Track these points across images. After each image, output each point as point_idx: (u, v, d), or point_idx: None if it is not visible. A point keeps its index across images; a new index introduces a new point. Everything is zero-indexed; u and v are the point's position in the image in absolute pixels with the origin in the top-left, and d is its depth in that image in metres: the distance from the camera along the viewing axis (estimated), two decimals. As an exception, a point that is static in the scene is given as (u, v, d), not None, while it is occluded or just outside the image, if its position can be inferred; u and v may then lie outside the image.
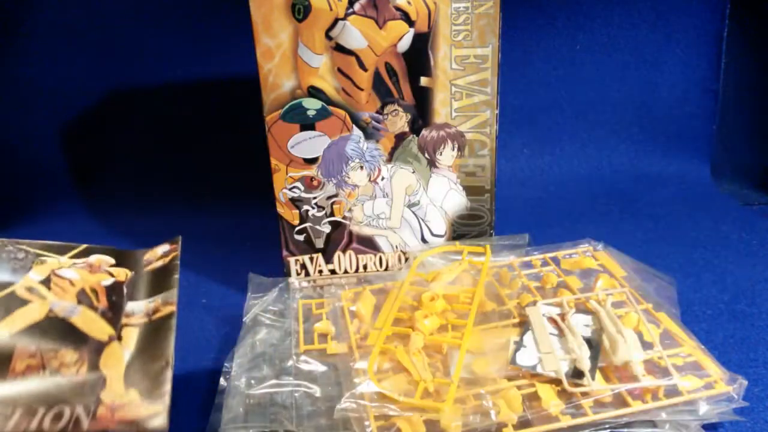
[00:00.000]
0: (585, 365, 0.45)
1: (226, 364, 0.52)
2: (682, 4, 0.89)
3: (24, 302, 0.41)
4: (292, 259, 0.65)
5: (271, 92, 0.58)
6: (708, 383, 0.44)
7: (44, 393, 0.36)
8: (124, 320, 0.42)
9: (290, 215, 0.63)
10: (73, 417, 0.35)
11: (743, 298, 0.62)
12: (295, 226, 0.64)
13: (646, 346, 0.47)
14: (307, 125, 0.60)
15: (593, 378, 0.44)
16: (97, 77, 0.93)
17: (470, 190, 0.63)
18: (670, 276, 0.58)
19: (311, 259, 0.65)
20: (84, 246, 0.46)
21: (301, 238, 0.64)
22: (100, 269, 0.45)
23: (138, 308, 0.43)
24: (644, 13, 0.89)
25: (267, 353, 0.53)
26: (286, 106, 0.59)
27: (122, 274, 0.45)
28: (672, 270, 0.67)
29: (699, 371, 0.46)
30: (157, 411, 0.37)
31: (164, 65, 0.92)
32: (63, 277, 0.43)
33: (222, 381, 0.51)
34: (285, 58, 0.57)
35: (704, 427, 0.44)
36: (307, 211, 0.63)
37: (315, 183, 0.62)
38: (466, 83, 0.59)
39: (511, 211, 0.83)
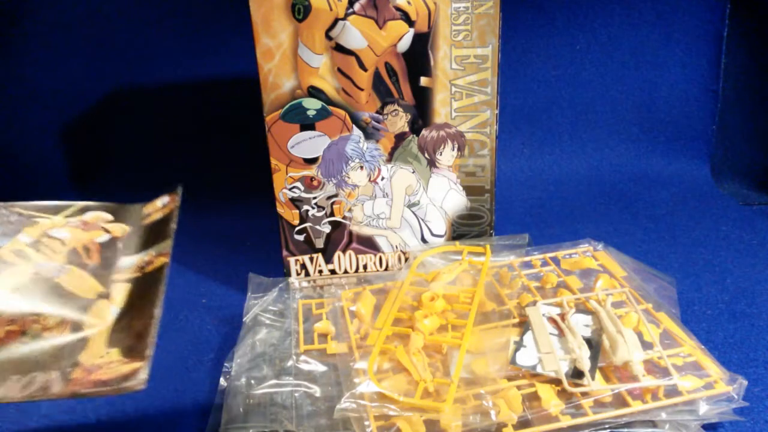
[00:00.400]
0: (585, 365, 0.45)
1: (226, 364, 0.52)
2: (682, 4, 0.89)
3: (9, 265, 0.40)
4: (292, 259, 0.65)
5: (271, 92, 0.58)
6: (708, 383, 0.45)
7: (21, 360, 0.35)
8: (115, 276, 0.40)
9: (290, 215, 0.63)
10: (45, 383, 0.34)
11: (743, 298, 0.62)
12: (295, 226, 0.64)
13: (646, 346, 0.47)
14: (307, 125, 0.60)
15: (593, 378, 0.44)
16: (97, 77, 0.93)
17: (470, 190, 0.63)
18: (670, 276, 0.58)
19: (311, 259, 0.65)
20: (81, 204, 0.45)
21: (301, 238, 0.64)
22: (95, 226, 0.43)
23: (131, 262, 0.41)
24: (644, 13, 0.89)
25: (267, 353, 0.53)
26: (286, 106, 0.59)
27: (119, 229, 0.44)
28: (672, 270, 0.67)
29: (699, 371, 0.46)
30: (135, 368, 0.34)
31: (164, 65, 0.92)
32: (54, 237, 0.42)
33: (222, 381, 0.51)
34: (285, 58, 0.57)
35: (704, 427, 0.44)
36: (307, 211, 0.63)
37: (315, 183, 0.62)
38: (466, 83, 0.59)
39: (511, 211, 0.83)
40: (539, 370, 0.45)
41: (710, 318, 0.59)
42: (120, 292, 0.39)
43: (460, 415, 0.43)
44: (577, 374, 0.45)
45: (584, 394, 0.43)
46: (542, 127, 0.94)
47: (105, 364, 0.34)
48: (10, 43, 0.93)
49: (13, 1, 0.90)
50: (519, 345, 0.48)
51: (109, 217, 0.45)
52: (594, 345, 0.47)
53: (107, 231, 0.43)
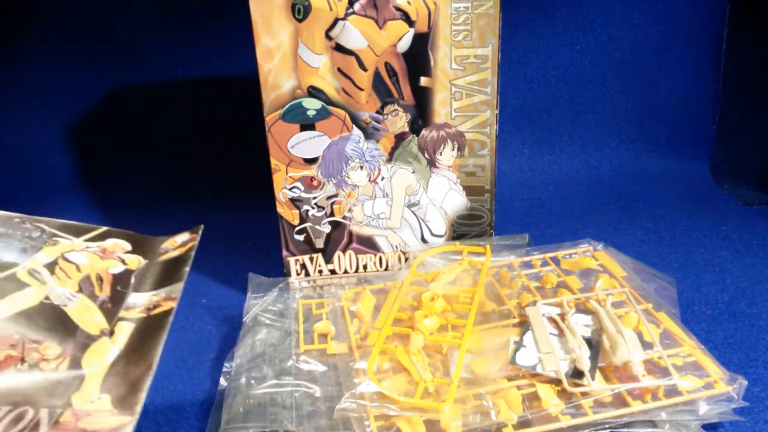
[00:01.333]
0: (585, 365, 0.45)
1: (226, 364, 0.52)
2: (682, 4, 0.89)
3: (22, 285, 0.40)
4: (292, 259, 0.65)
5: (271, 92, 0.58)
6: (708, 383, 0.44)
7: (14, 390, 0.35)
8: (122, 313, 0.40)
9: (290, 215, 0.63)
10: (34, 420, 0.33)
11: (743, 298, 0.62)
12: (295, 226, 0.64)
13: (646, 346, 0.47)
14: (307, 125, 0.60)
15: (593, 378, 0.44)
16: (97, 77, 0.93)
17: (470, 190, 0.63)
18: (669, 276, 0.58)
19: (311, 259, 0.65)
20: (103, 229, 0.45)
21: (301, 238, 0.64)
22: (113, 255, 0.43)
23: (140, 300, 0.41)
24: (644, 13, 0.89)
25: (267, 353, 0.53)
26: (286, 106, 0.59)
27: (135, 262, 0.44)
28: (672, 270, 0.67)
29: (699, 371, 0.46)
30: (123, 423, 0.34)
31: (164, 65, 0.92)
32: (71, 261, 0.42)
33: (222, 381, 0.51)
34: (285, 58, 0.57)
35: (704, 427, 0.44)
36: (307, 211, 0.63)
37: (315, 183, 0.62)
38: (466, 83, 0.59)
39: (511, 211, 0.83)
40: (539, 370, 0.45)
41: (710, 318, 0.59)
42: (124, 331, 0.39)
43: (460, 415, 0.43)
44: (577, 374, 0.45)
45: (584, 394, 0.43)
46: (542, 127, 0.94)
47: (94, 412, 0.33)
48: (10, 43, 0.93)
49: (13, 1, 0.90)
50: (519, 345, 0.48)
51: (128, 246, 0.45)
52: (594, 345, 0.47)
53: (123, 262, 0.43)
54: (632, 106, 0.93)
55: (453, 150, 0.62)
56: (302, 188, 0.62)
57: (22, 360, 0.36)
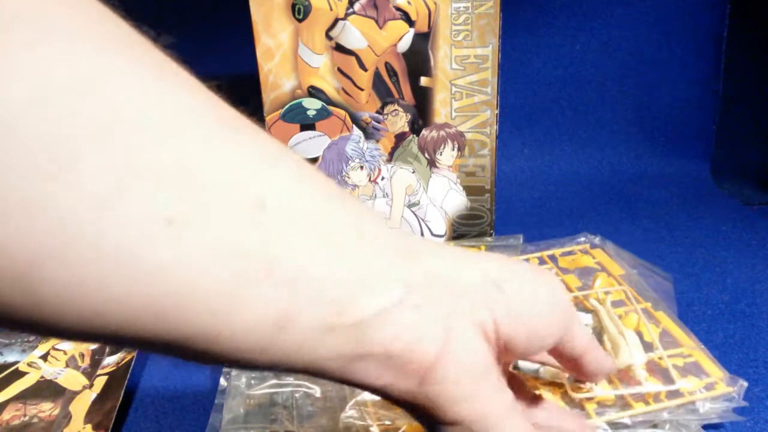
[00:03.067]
0: None
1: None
2: (682, 4, 0.89)
3: (23, 374, 0.55)
4: (292, 259, 0.65)
5: (271, 92, 0.58)
6: (709, 384, 0.44)
7: (18, 427, 0.49)
8: (99, 371, 0.54)
9: (290, 215, 0.63)
10: None
11: (743, 298, 0.62)
12: (295, 226, 0.64)
13: (646, 346, 0.47)
14: (307, 125, 0.60)
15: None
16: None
17: (470, 190, 0.63)
18: (667, 272, 0.58)
19: (311, 259, 0.65)
20: None
21: (301, 238, 0.64)
22: None
23: (112, 360, 0.55)
24: (644, 13, 0.89)
25: (267, 353, 0.52)
26: (286, 106, 0.59)
27: None
28: (672, 270, 0.67)
29: (699, 371, 0.46)
30: None
31: (164, 65, 0.92)
32: (59, 349, 0.57)
33: (222, 381, 0.51)
34: (285, 58, 0.57)
35: (704, 427, 0.44)
36: (307, 211, 0.63)
37: (315, 183, 0.62)
38: (466, 83, 0.59)
39: (511, 211, 0.83)
40: (542, 374, 0.45)
41: (710, 318, 0.59)
42: (100, 382, 0.53)
43: None
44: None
45: (588, 399, 0.43)
46: (542, 127, 0.94)
47: None
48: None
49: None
50: None
51: None
52: None
53: None
54: (632, 106, 0.93)
55: (453, 150, 0.62)
56: (302, 188, 0.62)
57: (24, 414, 0.51)
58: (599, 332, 0.48)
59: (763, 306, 0.60)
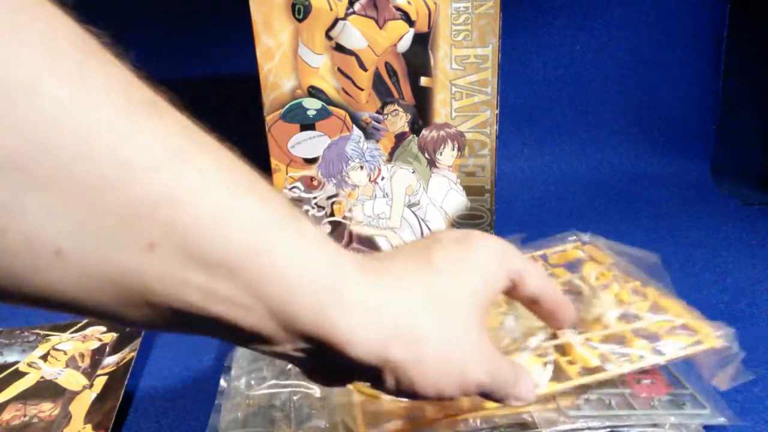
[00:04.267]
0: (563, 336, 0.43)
1: (226, 365, 0.52)
2: (682, 4, 0.89)
3: (23, 374, 0.55)
4: (292, 259, 0.65)
5: (271, 92, 0.58)
6: (697, 341, 0.43)
7: (18, 427, 0.50)
8: (99, 371, 0.54)
9: (290, 215, 0.63)
10: None
11: (743, 298, 0.62)
12: (295, 226, 0.64)
13: (633, 318, 0.46)
14: (307, 125, 0.60)
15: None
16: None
17: (470, 190, 0.63)
18: (654, 253, 0.55)
19: (311, 259, 0.65)
20: (85, 321, 0.60)
21: (301, 238, 0.64)
22: (92, 337, 0.58)
23: (113, 360, 0.55)
24: (644, 13, 0.89)
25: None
26: (286, 106, 0.59)
27: (109, 337, 0.58)
28: (672, 270, 0.67)
29: (688, 332, 0.44)
30: None
31: (164, 65, 0.92)
32: (59, 349, 0.57)
33: (222, 382, 0.51)
34: (285, 58, 0.57)
35: (705, 427, 0.44)
36: (307, 211, 0.63)
37: (315, 183, 0.62)
38: (466, 83, 0.59)
39: (511, 211, 0.83)
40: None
41: (710, 318, 0.59)
42: (100, 383, 0.53)
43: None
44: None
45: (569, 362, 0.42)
46: (542, 127, 0.94)
47: None
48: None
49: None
50: (499, 329, 0.47)
51: (104, 329, 0.59)
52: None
53: (100, 340, 0.58)
54: (632, 106, 0.93)
55: (453, 150, 0.62)
56: (302, 188, 0.62)
57: (24, 414, 0.51)
58: (577, 300, 0.46)
59: (763, 306, 0.60)
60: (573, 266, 0.56)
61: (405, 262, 0.29)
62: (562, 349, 0.43)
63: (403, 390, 0.28)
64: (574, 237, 0.60)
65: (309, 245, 0.25)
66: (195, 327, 0.25)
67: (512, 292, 0.32)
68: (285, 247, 0.24)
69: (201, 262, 0.22)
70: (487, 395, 0.31)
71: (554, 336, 0.43)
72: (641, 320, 0.45)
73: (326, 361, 0.27)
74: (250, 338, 0.25)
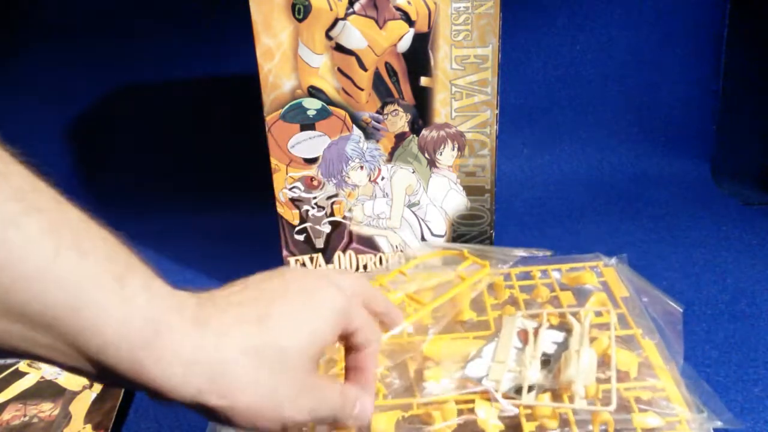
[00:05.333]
0: (525, 378, 0.42)
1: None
2: (682, 4, 0.89)
3: (23, 375, 0.56)
4: (292, 259, 0.65)
5: (271, 92, 0.58)
6: (670, 423, 0.40)
7: (18, 427, 0.50)
8: None
9: (290, 215, 0.63)
10: None
11: (743, 298, 0.62)
12: (295, 226, 0.64)
13: (621, 375, 0.43)
14: (307, 125, 0.60)
15: (535, 396, 0.41)
16: (97, 77, 0.93)
17: (470, 190, 0.63)
18: (679, 303, 0.51)
19: (311, 259, 0.65)
20: None
21: (301, 238, 0.64)
22: None
23: None
24: (644, 13, 0.89)
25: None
26: (286, 106, 0.59)
27: None
28: (672, 270, 0.67)
29: (665, 408, 0.41)
30: None
31: (164, 65, 0.92)
32: None
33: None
34: (285, 58, 0.57)
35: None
36: (307, 211, 0.63)
37: (315, 183, 0.62)
38: (466, 83, 0.59)
39: (511, 211, 0.83)
40: (484, 382, 0.43)
41: (710, 318, 0.59)
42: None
43: (393, 425, 0.42)
44: (520, 389, 0.42)
45: (527, 416, 0.41)
46: (542, 127, 0.94)
47: None
48: (10, 43, 0.93)
49: (13, 1, 0.90)
50: (476, 356, 0.46)
51: None
52: (552, 363, 0.43)
53: None
54: (632, 106, 0.93)
55: (453, 150, 0.62)
56: (302, 188, 0.62)
57: (24, 414, 0.51)
58: (562, 349, 0.45)
59: (763, 306, 0.60)
60: (581, 293, 0.53)
61: (239, 310, 0.32)
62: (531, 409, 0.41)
63: (223, 422, 0.31)
64: (597, 259, 0.57)
65: (127, 302, 0.27)
66: (25, 358, 0.28)
67: (343, 340, 0.37)
68: (101, 304, 0.27)
69: (22, 316, 0.25)
70: (315, 424, 0.35)
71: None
72: (611, 388, 0.41)
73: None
74: (78, 374, 0.28)
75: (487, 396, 0.42)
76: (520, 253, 0.57)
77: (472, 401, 0.42)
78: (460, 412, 0.42)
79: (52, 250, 0.26)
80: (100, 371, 0.28)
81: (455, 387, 0.44)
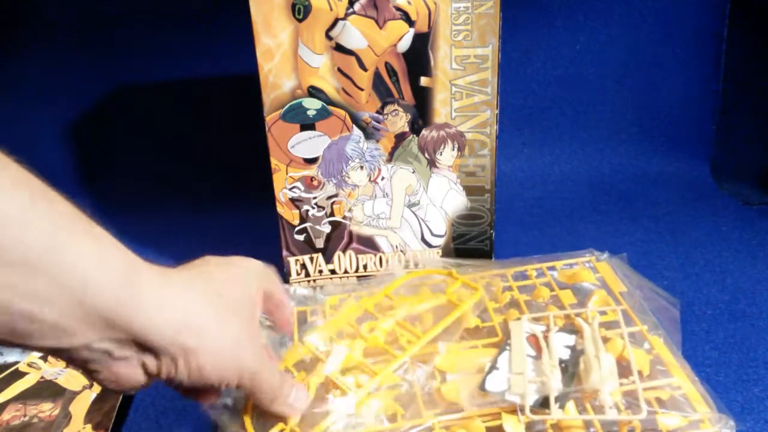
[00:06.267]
0: (552, 390, 0.41)
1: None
2: (682, 4, 0.89)
3: (23, 375, 0.56)
4: (292, 259, 0.65)
5: (271, 92, 0.58)
6: (693, 422, 0.40)
7: (18, 427, 0.50)
8: None
9: (290, 215, 0.63)
10: None
11: (743, 298, 0.62)
12: (295, 226, 0.64)
13: (629, 373, 0.43)
14: (307, 125, 0.60)
15: (562, 406, 0.40)
16: (98, 77, 0.93)
17: (470, 190, 0.63)
18: (675, 297, 0.52)
19: (311, 259, 0.65)
20: None
21: (301, 238, 0.64)
22: None
23: None
24: (644, 13, 0.89)
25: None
26: (286, 106, 0.59)
27: None
28: (672, 270, 0.67)
29: (686, 407, 0.42)
30: None
31: (164, 65, 0.92)
32: None
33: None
34: (285, 58, 0.57)
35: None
36: (307, 211, 0.63)
37: (315, 183, 0.62)
38: (466, 83, 0.59)
39: (511, 211, 0.83)
40: (507, 396, 0.42)
41: (710, 318, 0.59)
42: None
43: None
44: (546, 401, 0.41)
45: (553, 426, 0.40)
46: (542, 127, 0.94)
47: None
48: (10, 43, 0.93)
49: (13, 1, 0.90)
50: (492, 367, 0.44)
51: None
52: (570, 369, 0.43)
53: None
54: (632, 106, 0.93)
55: (453, 150, 0.62)
56: (302, 188, 0.62)
57: (24, 414, 0.51)
58: (578, 354, 0.44)
59: (763, 306, 0.60)
60: (579, 291, 0.53)
61: (188, 272, 0.36)
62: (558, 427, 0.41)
63: (193, 376, 0.33)
64: (589, 254, 0.57)
65: (106, 249, 0.30)
66: (6, 320, 0.27)
67: (265, 302, 0.42)
68: (82, 247, 0.28)
69: (3, 260, 0.26)
70: (256, 392, 0.38)
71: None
72: (631, 384, 0.42)
73: (122, 356, 0.31)
74: (53, 334, 0.29)
75: (512, 408, 0.41)
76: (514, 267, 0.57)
77: (497, 416, 0.41)
78: (488, 430, 0.41)
79: (28, 198, 0.27)
80: (83, 320, 0.29)
81: (477, 403, 0.43)
